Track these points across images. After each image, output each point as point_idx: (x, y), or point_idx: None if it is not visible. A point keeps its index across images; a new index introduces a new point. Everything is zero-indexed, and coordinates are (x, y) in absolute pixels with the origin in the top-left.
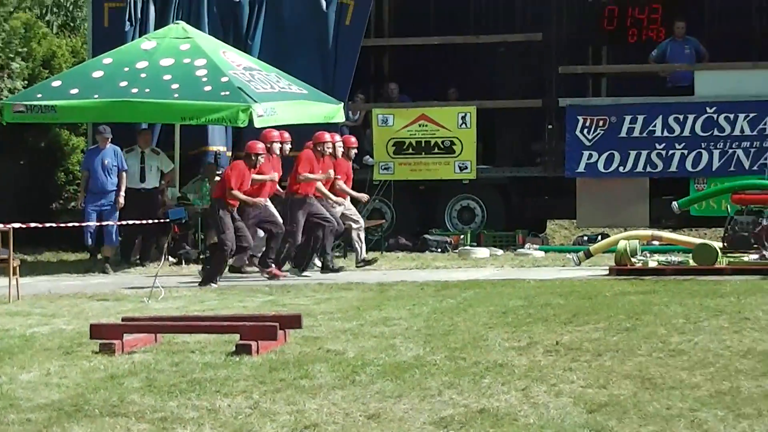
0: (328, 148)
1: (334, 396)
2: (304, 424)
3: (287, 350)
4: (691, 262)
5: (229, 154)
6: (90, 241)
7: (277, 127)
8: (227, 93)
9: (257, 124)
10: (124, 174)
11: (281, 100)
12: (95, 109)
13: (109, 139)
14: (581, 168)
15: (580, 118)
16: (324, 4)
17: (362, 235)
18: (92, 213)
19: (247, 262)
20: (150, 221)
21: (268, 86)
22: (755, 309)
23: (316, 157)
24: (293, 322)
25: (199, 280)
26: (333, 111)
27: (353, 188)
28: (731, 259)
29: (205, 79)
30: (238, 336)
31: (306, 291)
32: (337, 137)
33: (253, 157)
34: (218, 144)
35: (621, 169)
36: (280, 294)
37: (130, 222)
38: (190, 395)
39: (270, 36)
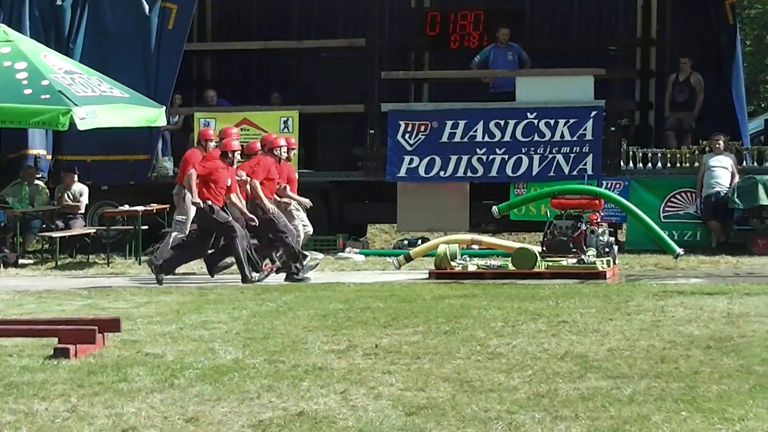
0: (284, 152)
1: (153, 399)
2: (122, 427)
3: (106, 354)
4: (510, 266)
5: (49, 157)
6: None
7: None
8: (48, 96)
9: (80, 127)
10: None
11: (103, 104)
12: None
13: None
14: (402, 173)
15: (402, 123)
16: (147, 8)
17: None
18: None
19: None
20: None
21: (89, 90)
22: (573, 312)
23: (274, 161)
24: (112, 325)
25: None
26: (155, 115)
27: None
28: (550, 263)
29: (25, 82)
30: (56, 339)
31: (125, 295)
32: (282, 141)
33: (230, 155)
34: (38, 147)
35: (442, 173)
36: (99, 297)
37: None
38: (7, 399)
39: (92, 39)
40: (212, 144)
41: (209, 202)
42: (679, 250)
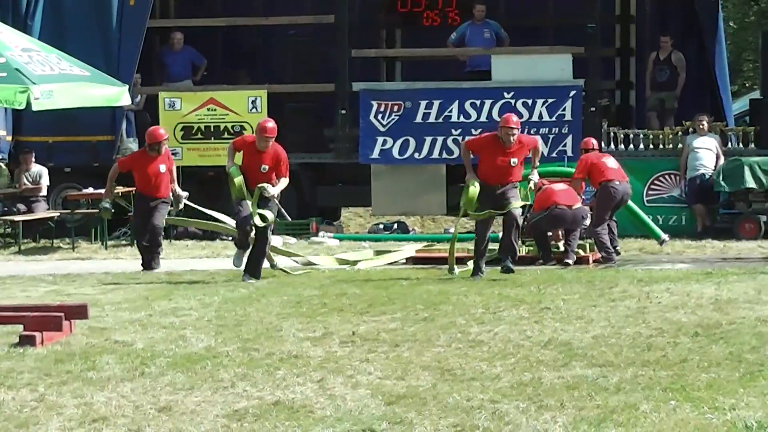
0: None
1: (123, 388)
2: (92, 417)
3: (73, 341)
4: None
5: (9, 138)
6: None
7: None
8: (4, 74)
9: (34, 107)
10: None
11: (62, 82)
12: None
13: None
14: (375, 154)
15: (374, 103)
16: None
17: None
18: None
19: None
20: None
21: (47, 68)
22: (555, 299)
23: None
24: (79, 312)
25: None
26: (117, 94)
27: None
28: (531, 248)
29: None
30: (21, 327)
31: (91, 280)
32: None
33: (156, 146)
34: None
35: (416, 155)
36: (64, 283)
37: None
38: None
39: (50, 16)
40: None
41: None
42: (665, 236)
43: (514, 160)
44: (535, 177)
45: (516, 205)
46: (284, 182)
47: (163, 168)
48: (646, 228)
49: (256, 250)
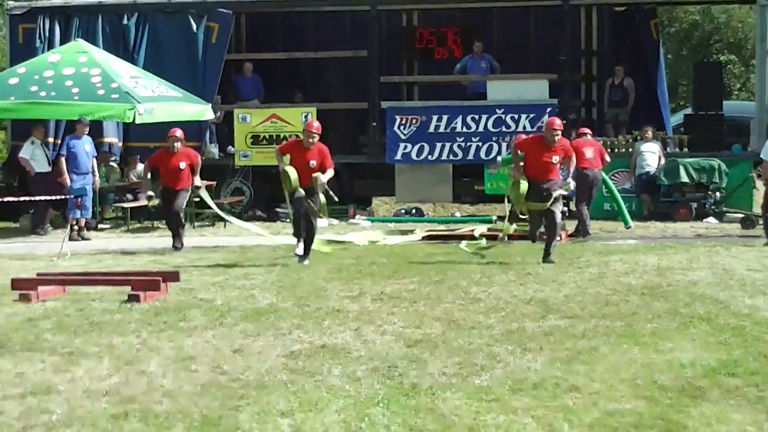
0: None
1: (207, 335)
2: (182, 356)
3: (168, 299)
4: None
5: (120, 144)
6: (80, 213)
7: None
8: (117, 96)
9: (138, 120)
10: (94, 160)
11: (160, 101)
12: (12, 109)
13: (87, 129)
14: (398, 156)
15: (397, 117)
16: (194, 26)
17: None
18: (81, 189)
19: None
20: (59, 197)
21: (149, 90)
22: (536, 266)
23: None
24: (173, 276)
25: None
26: (202, 110)
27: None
28: (518, 228)
29: (99, 85)
30: (129, 287)
31: (182, 252)
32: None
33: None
34: (112, 136)
35: (430, 157)
36: (162, 255)
37: (45, 198)
38: (92, 334)
39: (151, 51)
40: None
41: None
42: (631, 223)
43: (555, 158)
44: (571, 184)
45: (557, 201)
46: (330, 172)
47: (182, 164)
48: (621, 214)
49: (309, 235)
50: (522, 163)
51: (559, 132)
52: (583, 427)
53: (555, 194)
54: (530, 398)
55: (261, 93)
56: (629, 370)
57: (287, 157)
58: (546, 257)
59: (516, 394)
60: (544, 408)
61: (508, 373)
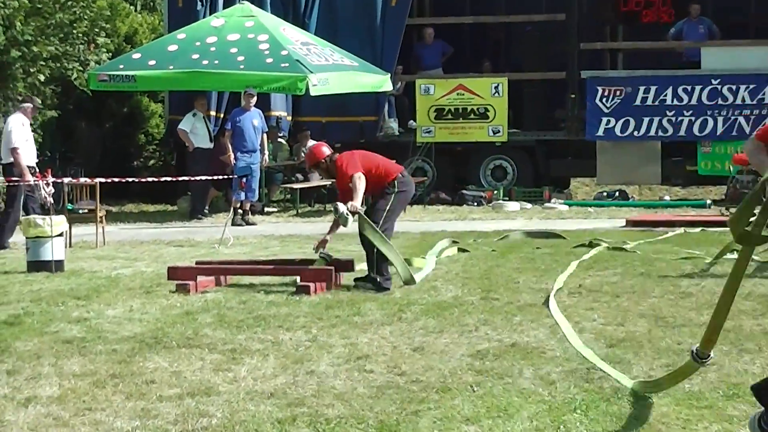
0: None
1: (383, 331)
2: (356, 355)
3: (341, 291)
4: None
5: (289, 118)
6: (245, 195)
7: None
8: (287, 65)
9: (312, 92)
10: (265, 135)
11: (334, 71)
12: (171, 78)
13: (255, 101)
14: (600, 132)
15: (599, 89)
16: None
17: None
18: (247, 168)
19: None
20: (221, 177)
21: (323, 59)
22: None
23: None
24: (347, 266)
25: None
26: (381, 81)
27: (399, 151)
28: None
29: (267, 53)
30: (298, 278)
31: (357, 239)
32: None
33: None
34: (280, 110)
35: (635, 133)
36: (335, 241)
37: (205, 177)
38: (256, 329)
39: (325, 15)
40: None
41: None
42: None
43: None
44: None
45: None
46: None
47: None
48: None
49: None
50: None
51: None
52: None
53: None
54: (748, 405)
55: (447, 54)
56: None
57: None
58: None
59: (731, 401)
60: None
61: (723, 376)
